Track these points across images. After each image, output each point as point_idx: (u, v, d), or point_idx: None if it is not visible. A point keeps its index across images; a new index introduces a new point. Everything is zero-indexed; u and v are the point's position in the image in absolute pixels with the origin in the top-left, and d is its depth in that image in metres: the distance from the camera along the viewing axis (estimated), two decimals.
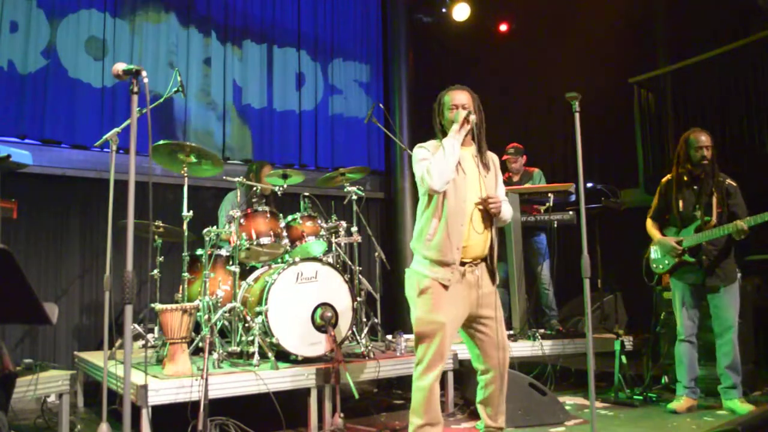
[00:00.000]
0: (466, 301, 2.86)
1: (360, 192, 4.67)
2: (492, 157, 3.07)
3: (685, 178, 4.05)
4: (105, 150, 5.24)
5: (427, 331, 2.81)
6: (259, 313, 3.81)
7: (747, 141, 5.84)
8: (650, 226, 4.22)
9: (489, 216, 2.91)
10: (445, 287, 2.81)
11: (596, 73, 6.42)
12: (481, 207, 2.89)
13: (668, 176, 4.20)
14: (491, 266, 2.94)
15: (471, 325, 2.93)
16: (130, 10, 5.90)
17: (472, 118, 2.88)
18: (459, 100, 2.94)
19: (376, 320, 4.65)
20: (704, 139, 3.98)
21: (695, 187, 4.03)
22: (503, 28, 7.64)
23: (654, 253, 4.21)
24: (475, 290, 2.87)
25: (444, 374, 4.16)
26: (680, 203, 4.04)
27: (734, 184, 4.00)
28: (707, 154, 3.96)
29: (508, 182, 5.53)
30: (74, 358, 4.60)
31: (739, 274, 4.06)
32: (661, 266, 4.16)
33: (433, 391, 2.82)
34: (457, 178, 2.85)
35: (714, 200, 3.95)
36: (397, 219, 7.08)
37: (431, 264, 2.85)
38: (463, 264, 2.85)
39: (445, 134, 2.91)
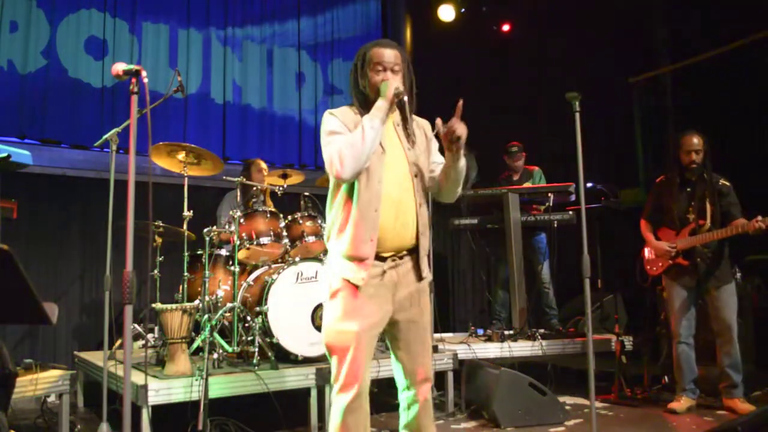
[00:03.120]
0: (388, 306, 2.30)
1: None
2: (422, 126, 2.48)
3: (678, 180, 4.05)
4: (105, 150, 5.23)
5: (337, 343, 2.26)
6: (259, 313, 3.81)
7: (747, 141, 5.84)
8: (644, 227, 4.22)
9: (417, 196, 2.33)
10: (358, 288, 2.25)
11: (596, 73, 6.41)
12: (399, 191, 2.30)
13: (662, 177, 4.21)
14: (421, 259, 2.34)
15: (391, 332, 2.36)
16: (130, 9, 5.90)
17: (402, 93, 2.25)
18: (387, 58, 2.28)
19: None
20: (695, 142, 3.94)
21: (688, 190, 4.02)
22: (505, 28, 7.67)
23: (648, 254, 4.22)
24: (401, 290, 2.31)
25: (443, 374, 4.16)
26: (673, 206, 4.03)
27: (728, 184, 3.98)
28: (696, 158, 3.94)
29: (507, 181, 5.53)
30: (74, 358, 4.60)
31: (738, 274, 4.06)
32: (654, 268, 4.16)
33: (353, 415, 2.21)
34: (372, 156, 2.27)
35: (707, 203, 3.94)
36: None
37: (343, 261, 2.30)
38: (383, 259, 2.30)
39: (364, 99, 2.33)
